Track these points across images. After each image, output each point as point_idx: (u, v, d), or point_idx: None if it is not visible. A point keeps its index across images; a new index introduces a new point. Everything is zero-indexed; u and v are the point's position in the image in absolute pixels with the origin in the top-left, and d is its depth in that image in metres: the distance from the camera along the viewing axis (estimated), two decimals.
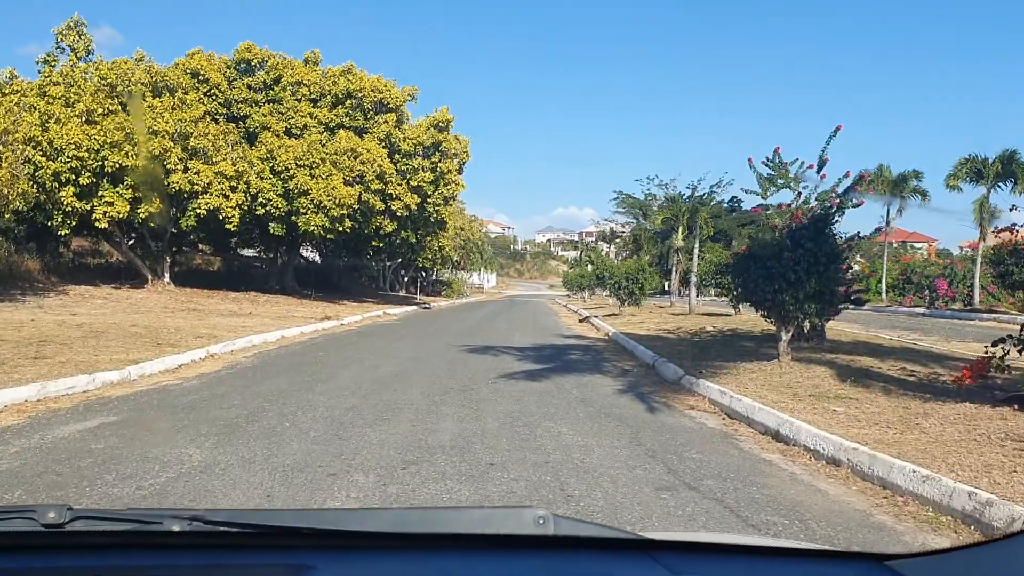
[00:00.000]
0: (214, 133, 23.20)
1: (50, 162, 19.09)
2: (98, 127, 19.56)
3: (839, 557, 1.40)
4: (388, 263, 44.25)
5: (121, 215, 20.35)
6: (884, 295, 31.97)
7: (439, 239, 35.86)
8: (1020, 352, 6.72)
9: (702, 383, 8.03)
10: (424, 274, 50.43)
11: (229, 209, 22.73)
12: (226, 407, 6.85)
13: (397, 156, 26.76)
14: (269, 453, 5.07)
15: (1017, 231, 8.40)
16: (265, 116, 26.04)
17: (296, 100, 26.69)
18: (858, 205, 10.05)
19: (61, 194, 19.43)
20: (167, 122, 21.61)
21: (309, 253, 38.24)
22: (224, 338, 12.31)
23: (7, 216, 17.90)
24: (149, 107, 21.69)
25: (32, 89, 20.30)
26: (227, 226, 23.21)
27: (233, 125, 25.41)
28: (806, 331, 10.82)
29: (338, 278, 38.25)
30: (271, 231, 24.85)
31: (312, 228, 24.16)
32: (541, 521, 1.15)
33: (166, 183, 21.22)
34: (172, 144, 21.58)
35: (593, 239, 74.13)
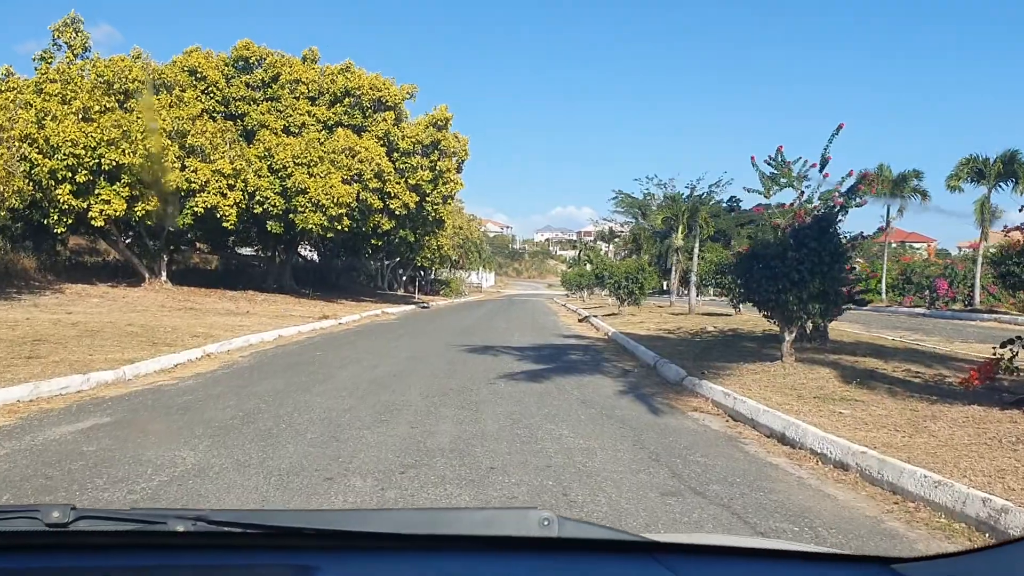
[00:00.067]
0: (212, 131, 23.08)
1: (46, 159, 18.94)
2: (95, 124, 19.41)
3: (844, 560, 1.41)
4: (386, 262, 44.17)
5: (118, 213, 20.21)
6: (884, 295, 31.90)
7: (438, 238, 35.75)
8: None
9: (705, 384, 7.93)
10: (422, 273, 50.33)
11: (227, 207, 22.61)
12: (221, 408, 6.74)
13: (396, 154, 26.61)
14: (264, 456, 4.97)
15: None
16: (263, 114, 25.90)
17: (294, 98, 26.54)
18: (861, 204, 9.94)
19: (57, 192, 19.28)
20: (165, 120, 21.49)
21: (307, 252, 38.13)
22: (221, 337, 12.20)
23: (3, 214, 17.75)
24: (144, 105, 21.54)
25: (28, 86, 20.17)
26: (224, 224, 23.10)
27: (231, 123, 25.28)
28: (809, 332, 10.73)
29: (336, 277, 38.14)
30: (269, 230, 24.72)
31: (310, 227, 24.05)
32: (546, 523, 1.15)
33: (163, 181, 21.08)
34: (169, 142, 21.45)
35: (592, 239, 74.10)
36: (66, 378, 7.39)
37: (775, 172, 10.14)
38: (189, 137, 22.13)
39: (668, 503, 4.10)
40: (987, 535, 3.61)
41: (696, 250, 24.26)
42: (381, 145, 26.14)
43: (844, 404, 6.59)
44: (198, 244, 30.95)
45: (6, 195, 16.20)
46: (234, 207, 22.84)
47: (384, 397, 7.48)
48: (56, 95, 19.72)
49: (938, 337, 14.82)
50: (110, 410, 6.55)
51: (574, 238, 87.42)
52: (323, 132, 25.84)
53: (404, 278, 47.88)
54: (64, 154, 18.96)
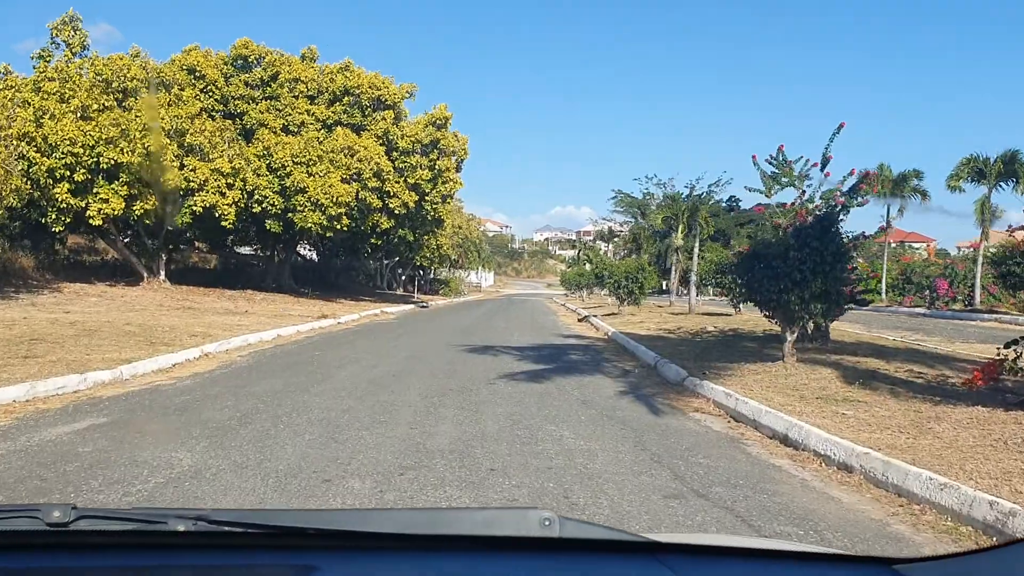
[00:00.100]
0: (210, 130, 23.01)
1: (44, 158, 18.87)
2: (93, 123, 19.35)
3: (847, 560, 1.40)
4: (386, 261, 44.09)
5: (116, 212, 20.16)
6: (884, 295, 31.87)
7: (437, 237, 35.69)
8: None
9: (706, 385, 7.88)
10: (422, 272, 50.24)
11: (225, 206, 22.55)
12: (219, 408, 6.69)
13: (395, 153, 26.54)
14: (262, 457, 4.91)
15: None
16: (262, 113, 25.82)
17: (293, 97, 26.47)
18: (863, 204, 9.90)
19: (56, 190, 19.21)
20: (163, 119, 21.40)
21: (306, 251, 38.05)
22: (219, 337, 12.14)
23: (1, 213, 17.70)
24: (147, 104, 21.48)
25: (27, 84, 20.10)
26: (223, 223, 23.03)
27: (230, 122, 25.20)
28: (810, 332, 10.68)
29: (335, 276, 38.06)
30: (268, 229, 24.65)
31: (309, 226, 23.99)
32: (547, 523, 1.14)
33: (162, 180, 21.01)
34: (168, 141, 21.37)
35: (591, 238, 74.04)
36: (63, 378, 7.33)
37: (776, 171, 10.10)
38: (188, 136, 22.06)
39: (671, 506, 4.05)
40: (994, 539, 3.56)
41: (696, 250, 24.21)
42: (380, 144, 26.07)
43: (847, 405, 6.54)
44: (197, 243, 30.88)
45: (4, 194, 16.13)
46: (233, 206, 22.77)
47: (383, 397, 7.43)
48: (54, 93, 19.66)
49: (939, 337, 14.78)
50: (107, 410, 6.49)
51: (573, 238, 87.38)
52: (322, 131, 25.76)
53: (403, 277, 47.81)
54: (62, 153, 18.90)
